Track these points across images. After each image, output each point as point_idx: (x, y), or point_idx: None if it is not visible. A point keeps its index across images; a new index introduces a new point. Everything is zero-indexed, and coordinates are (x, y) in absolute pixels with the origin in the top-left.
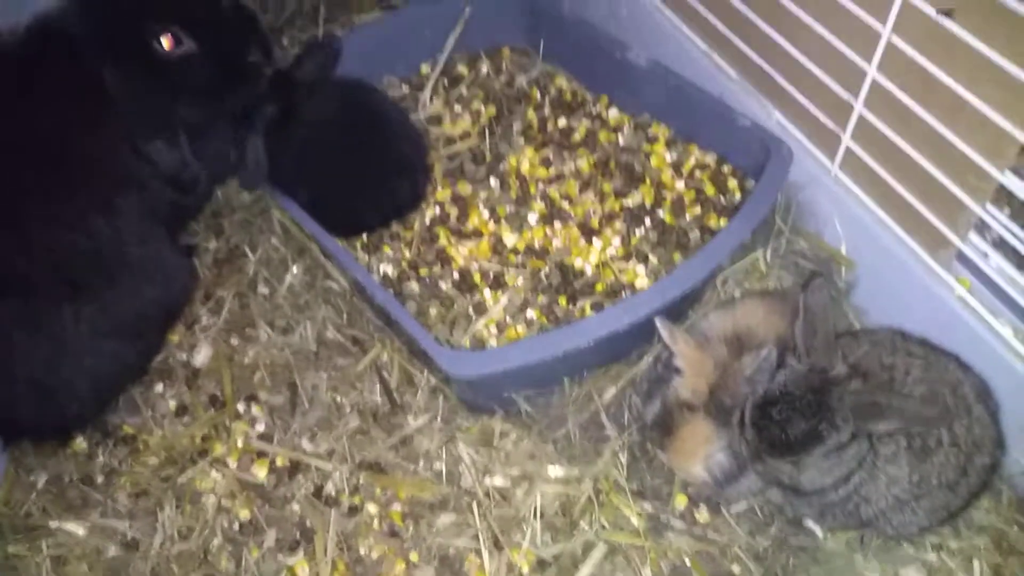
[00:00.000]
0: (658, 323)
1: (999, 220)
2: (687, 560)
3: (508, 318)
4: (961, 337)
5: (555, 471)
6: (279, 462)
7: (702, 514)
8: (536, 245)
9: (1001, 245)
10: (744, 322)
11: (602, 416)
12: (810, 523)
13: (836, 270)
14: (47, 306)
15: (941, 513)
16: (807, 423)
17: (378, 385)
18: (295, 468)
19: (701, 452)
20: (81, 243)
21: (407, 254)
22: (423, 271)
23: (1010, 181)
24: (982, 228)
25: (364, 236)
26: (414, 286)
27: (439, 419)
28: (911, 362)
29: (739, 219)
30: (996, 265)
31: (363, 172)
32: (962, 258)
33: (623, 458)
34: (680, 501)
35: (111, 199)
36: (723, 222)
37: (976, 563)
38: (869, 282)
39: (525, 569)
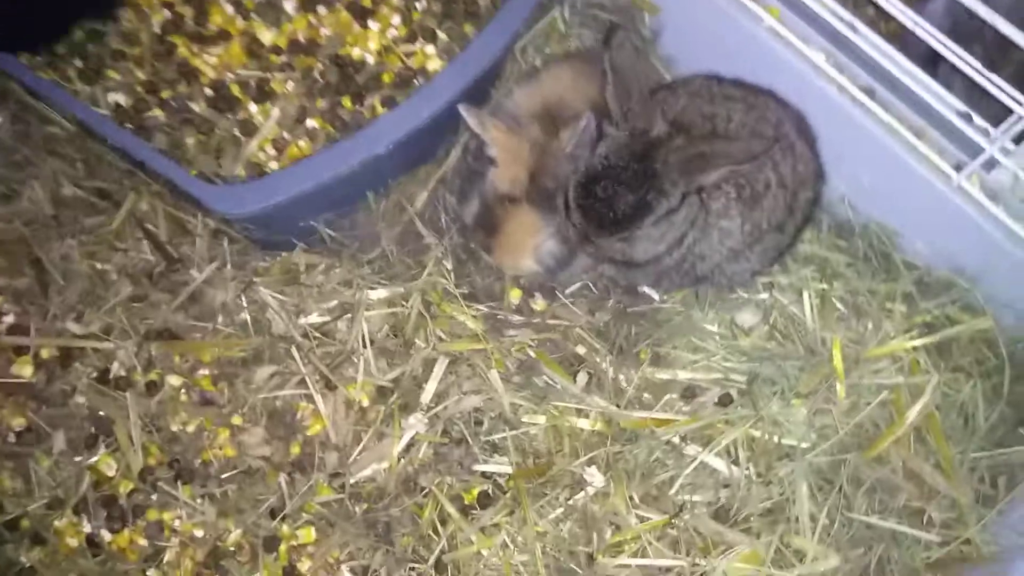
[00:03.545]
0: (462, 110)
1: None
2: (531, 352)
3: (285, 133)
4: (774, 69)
5: (377, 294)
6: (44, 354)
7: (538, 303)
8: (301, 38)
9: None
10: (552, 93)
11: (417, 225)
12: (646, 289)
13: (639, 18)
14: None
15: (772, 254)
16: (634, 195)
17: (144, 241)
18: (67, 356)
19: (529, 244)
20: None
21: (140, 75)
22: (165, 93)
23: None
24: None
25: (79, 62)
26: (158, 114)
27: (229, 265)
28: (731, 107)
29: None
30: None
31: None
32: None
33: (448, 264)
34: (514, 295)
35: None
36: None
37: (805, 293)
38: (676, 26)
39: (365, 401)
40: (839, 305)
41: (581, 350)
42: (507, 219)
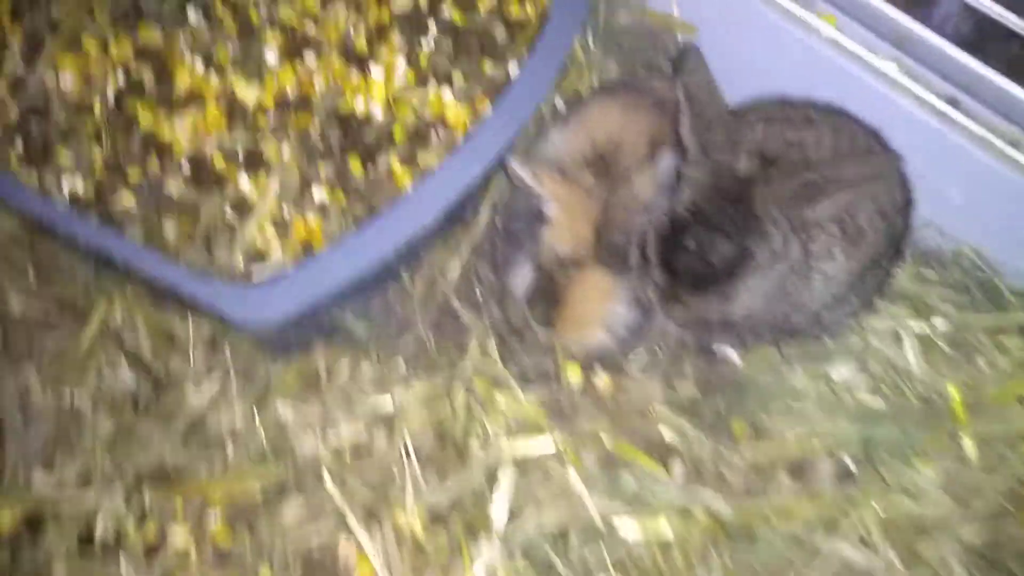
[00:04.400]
0: (512, 165)
1: None
2: (607, 440)
3: (287, 208)
4: (837, 84)
5: (415, 391)
6: (6, 518)
7: (602, 379)
8: (290, 93)
9: None
10: (602, 132)
11: (453, 302)
12: (726, 350)
13: (670, 42)
14: None
15: (871, 295)
16: (732, 243)
17: (123, 358)
18: (37, 518)
19: (602, 313)
20: None
21: (97, 153)
22: (133, 173)
23: None
24: None
25: (20, 143)
26: (127, 199)
27: (233, 379)
28: (819, 131)
29: None
30: None
31: None
32: None
33: (493, 345)
34: (573, 373)
35: None
36: (530, 8)
37: (903, 336)
38: (714, 47)
39: (419, 530)
40: (944, 345)
41: (667, 432)
42: (573, 286)
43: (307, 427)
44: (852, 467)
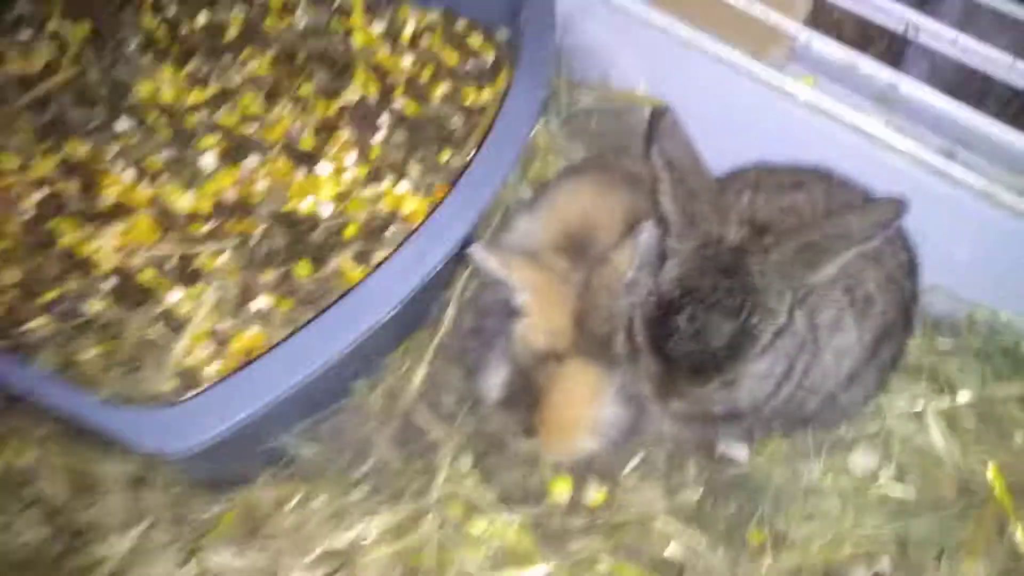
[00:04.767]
0: (475, 253)
1: None
2: (607, 563)
3: (225, 322)
4: (825, 147)
5: (378, 523)
6: None
7: (595, 492)
8: (229, 198)
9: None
10: (573, 214)
11: (419, 415)
12: (731, 447)
13: (637, 119)
14: None
15: (888, 370)
16: (731, 320)
17: (34, 509)
18: None
19: (588, 415)
20: None
21: (10, 277)
22: (50, 293)
23: None
24: None
25: None
26: (42, 323)
27: (161, 525)
28: (812, 193)
29: (523, 78)
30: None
31: None
32: (796, 55)
33: (467, 462)
34: (562, 488)
35: None
36: (486, 93)
37: (926, 414)
38: (689, 119)
39: None
40: (971, 420)
41: (674, 548)
42: (554, 385)
43: None
44: (888, 570)
